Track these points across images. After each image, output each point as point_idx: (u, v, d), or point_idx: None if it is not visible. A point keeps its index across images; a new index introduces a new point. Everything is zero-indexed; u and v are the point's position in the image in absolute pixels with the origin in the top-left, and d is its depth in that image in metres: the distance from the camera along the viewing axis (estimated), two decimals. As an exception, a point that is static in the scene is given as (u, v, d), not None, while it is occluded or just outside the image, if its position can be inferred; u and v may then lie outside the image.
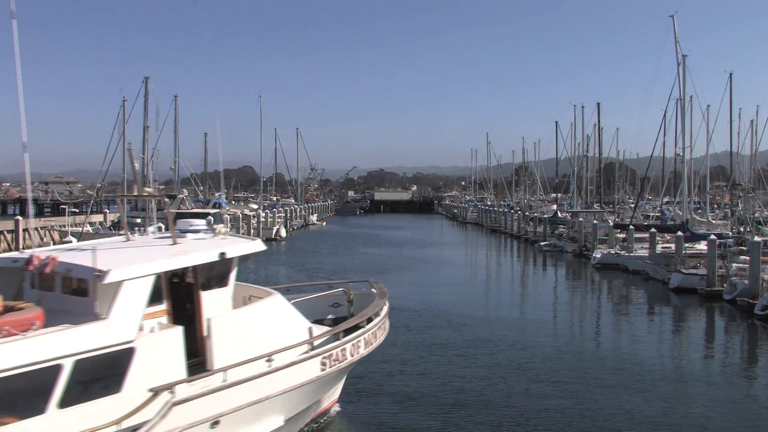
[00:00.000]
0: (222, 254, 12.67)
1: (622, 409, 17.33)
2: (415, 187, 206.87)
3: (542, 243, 64.42)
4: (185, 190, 67.09)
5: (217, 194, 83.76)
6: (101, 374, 10.13)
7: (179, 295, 12.38)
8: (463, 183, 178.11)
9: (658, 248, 44.69)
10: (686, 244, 41.75)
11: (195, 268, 12.41)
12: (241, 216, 66.37)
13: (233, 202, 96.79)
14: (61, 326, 9.97)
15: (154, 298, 11.27)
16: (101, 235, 48.65)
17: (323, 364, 13.49)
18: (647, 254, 44.09)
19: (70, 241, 29.60)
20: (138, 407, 10.18)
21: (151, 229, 15.00)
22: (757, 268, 31.48)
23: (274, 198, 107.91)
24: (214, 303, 12.59)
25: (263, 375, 12.14)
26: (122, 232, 14.61)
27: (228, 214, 64.15)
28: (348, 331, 14.56)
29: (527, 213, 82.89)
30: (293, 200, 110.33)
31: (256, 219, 70.61)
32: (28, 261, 11.22)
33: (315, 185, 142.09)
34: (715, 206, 69.83)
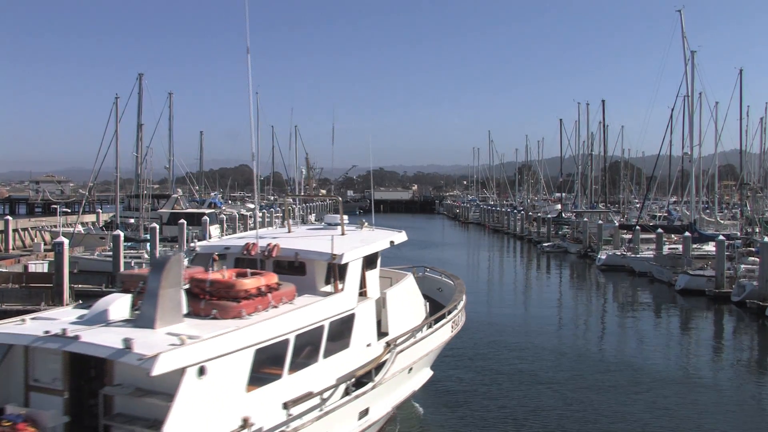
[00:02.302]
0: (392, 242, 16.14)
1: (627, 414, 17.30)
2: (415, 187, 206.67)
3: (545, 244, 64.36)
4: (180, 190, 66.92)
5: (212, 194, 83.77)
6: (340, 333, 12.96)
7: None
8: (465, 182, 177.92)
9: (665, 249, 44.65)
10: (693, 245, 41.72)
11: None
12: (237, 216, 66.31)
13: (229, 201, 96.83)
14: (311, 298, 12.80)
15: None
16: (95, 236, 48.71)
17: (452, 327, 17.21)
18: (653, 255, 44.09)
19: (62, 242, 29.53)
20: (381, 354, 13.72)
21: (291, 222, 17.78)
22: (766, 270, 31.44)
23: (272, 197, 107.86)
24: (371, 281, 15.15)
25: (431, 334, 15.76)
26: (283, 224, 18.07)
27: (224, 214, 64.11)
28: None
29: (530, 213, 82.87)
30: (291, 200, 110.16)
31: (252, 219, 70.58)
32: (246, 248, 13.95)
33: (313, 184, 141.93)
34: (724, 206, 69.77)
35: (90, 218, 64.04)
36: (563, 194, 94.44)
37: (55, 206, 55.61)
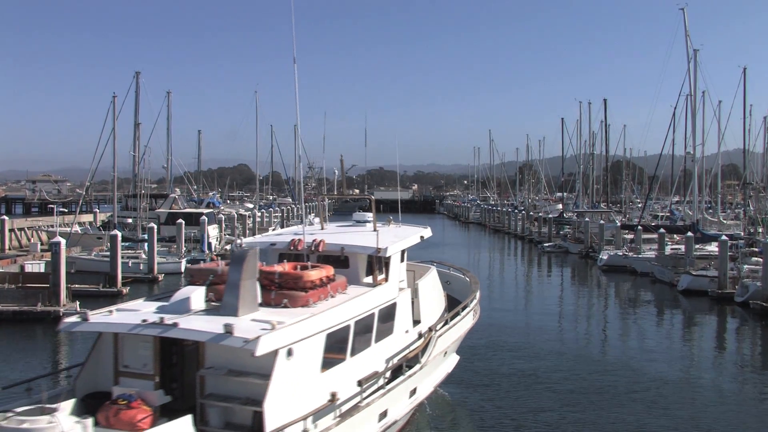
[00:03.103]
0: (422, 237, 17.40)
1: (627, 416, 17.26)
2: (415, 186, 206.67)
3: (545, 244, 64.25)
4: (178, 189, 66.85)
5: (210, 193, 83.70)
6: (386, 321, 14.16)
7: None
8: (466, 182, 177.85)
9: (668, 249, 44.59)
10: (696, 246, 41.65)
11: None
12: (236, 216, 66.25)
13: (228, 201, 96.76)
14: (359, 288, 14.02)
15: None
16: (92, 236, 48.66)
17: (473, 315, 18.88)
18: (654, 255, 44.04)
19: (59, 242, 29.51)
20: (426, 338, 15.22)
21: (316, 220, 18.64)
22: (770, 270, 31.37)
23: (271, 197, 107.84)
24: (402, 273, 16.25)
25: (461, 320, 17.35)
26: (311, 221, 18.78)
27: (223, 214, 64.02)
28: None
29: (531, 213, 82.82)
30: (290, 199, 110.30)
31: (251, 219, 70.50)
32: (293, 243, 14.91)
33: (312, 184, 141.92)
34: (727, 206, 69.69)
35: (87, 218, 64.02)
36: (564, 194, 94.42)
37: (52, 206, 55.72)
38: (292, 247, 14.86)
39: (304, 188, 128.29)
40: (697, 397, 19.22)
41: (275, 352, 10.41)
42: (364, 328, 13.21)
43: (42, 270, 34.22)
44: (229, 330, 10.28)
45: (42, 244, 47.03)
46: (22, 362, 22.37)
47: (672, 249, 45.14)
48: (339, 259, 14.73)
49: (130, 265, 39.27)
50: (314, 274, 12.74)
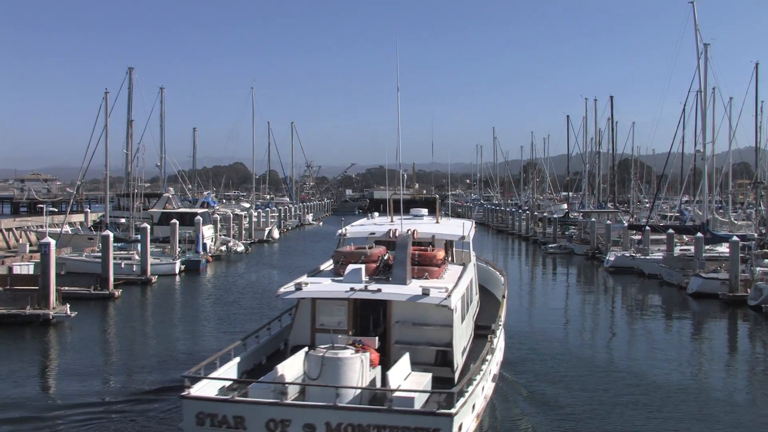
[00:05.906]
0: (474, 227, 22.24)
1: (630, 424, 17.05)
2: (417, 185, 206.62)
3: (550, 245, 64.10)
4: (171, 189, 66.73)
5: (205, 193, 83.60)
6: (471, 290, 18.61)
7: None
8: (468, 181, 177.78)
9: (677, 251, 44.46)
10: (706, 247, 41.50)
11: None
12: (231, 216, 66.15)
13: (224, 201, 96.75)
14: (454, 266, 18.99)
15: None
16: (83, 236, 48.55)
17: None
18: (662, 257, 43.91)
19: (49, 243, 29.38)
20: (502, 303, 21.01)
21: (376, 214, 23.98)
22: (783, 272, 31.19)
23: (268, 197, 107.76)
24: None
25: (505, 297, 22.14)
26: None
27: (218, 214, 63.91)
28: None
29: (536, 213, 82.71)
30: (288, 199, 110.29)
31: (247, 219, 70.42)
32: (390, 232, 18.83)
33: (311, 183, 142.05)
34: (738, 206, 69.56)
35: (78, 218, 63.97)
36: (570, 193, 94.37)
37: (42, 205, 55.61)
38: (391, 235, 18.56)
39: (300, 188, 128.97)
40: (708, 404, 19.04)
41: (453, 308, 14.43)
42: (468, 294, 17.29)
43: (31, 272, 34.12)
44: (426, 292, 14.29)
45: (31, 245, 46.99)
46: (8, 367, 22.23)
47: (681, 250, 44.98)
48: (426, 244, 18.39)
49: (122, 266, 39.18)
50: (441, 254, 17.19)
